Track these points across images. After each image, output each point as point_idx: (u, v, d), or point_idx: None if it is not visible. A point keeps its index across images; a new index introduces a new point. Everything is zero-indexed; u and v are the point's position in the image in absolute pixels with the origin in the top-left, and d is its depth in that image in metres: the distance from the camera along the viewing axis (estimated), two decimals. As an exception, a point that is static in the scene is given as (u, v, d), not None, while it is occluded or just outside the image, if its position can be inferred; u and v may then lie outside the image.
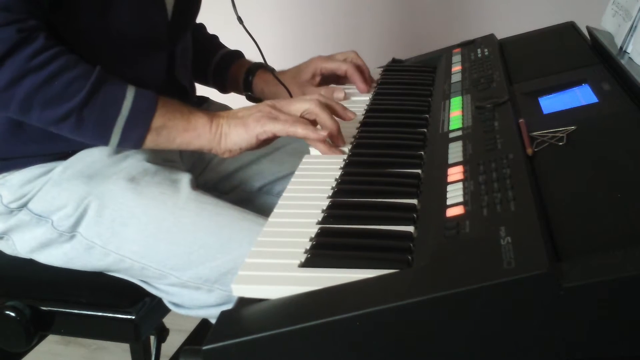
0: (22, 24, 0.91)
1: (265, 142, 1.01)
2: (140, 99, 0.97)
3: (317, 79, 1.28)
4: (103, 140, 0.97)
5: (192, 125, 0.99)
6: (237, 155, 1.01)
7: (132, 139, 0.97)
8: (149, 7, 1.06)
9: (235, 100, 1.38)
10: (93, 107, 0.94)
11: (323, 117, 0.98)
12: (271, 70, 1.30)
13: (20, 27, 0.91)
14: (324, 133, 0.96)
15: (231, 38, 1.36)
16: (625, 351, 0.58)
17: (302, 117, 0.98)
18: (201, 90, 1.33)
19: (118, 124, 0.95)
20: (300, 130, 0.96)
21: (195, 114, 1.00)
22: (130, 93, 0.96)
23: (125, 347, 1.39)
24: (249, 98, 1.34)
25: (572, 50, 1.15)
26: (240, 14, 1.18)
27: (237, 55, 1.35)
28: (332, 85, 1.28)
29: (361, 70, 1.28)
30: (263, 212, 1.07)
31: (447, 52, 1.33)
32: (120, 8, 1.01)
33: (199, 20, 1.34)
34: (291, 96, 1.25)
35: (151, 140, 0.98)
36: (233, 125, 0.99)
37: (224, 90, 1.37)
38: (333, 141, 0.99)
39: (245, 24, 1.18)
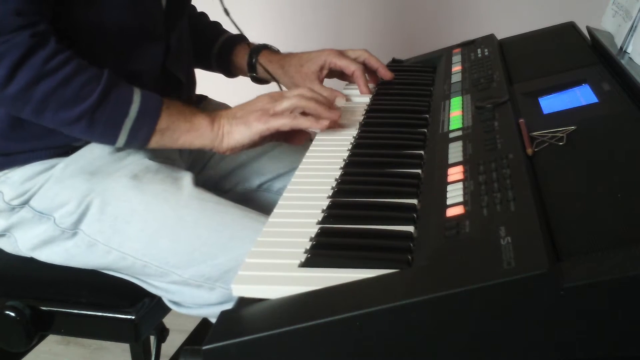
0: (35, 28, 0.94)
1: (266, 140, 1.04)
2: (147, 102, 1.00)
3: (325, 72, 1.27)
4: (111, 140, 1.01)
5: (194, 126, 1.02)
6: (237, 152, 1.05)
7: (138, 140, 1.01)
8: None
9: (235, 100, 1.38)
10: (104, 109, 0.97)
11: (314, 108, 1.02)
12: (276, 50, 1.31)
13: (33, 32, 0.94)
14: (325, 122, 1.01)
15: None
16: (625, 351, 0.58)
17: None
18: (200, 88, 1.33)
19: (126, 125, 0.99)
20: (303, 122, 1.01)
21: (197, 115, 1.04)
22: (137, 96, 1.00)
23: (125, 347, 1.39)
24: (254, 79, 1.34)
25: (572, 50, 1.15)
26: (238, 14, 1.18)
27: (241, 38, 1.34)
28: (335, 89, 1.27)
29: (371, 70, 1.27)
30: (263, 209, 1.07)
31: (447, 52, 1.33)
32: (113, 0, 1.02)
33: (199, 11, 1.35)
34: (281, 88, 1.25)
35: (156, 141, 1.02)
36: (235, 125, 1.02)
37: (229, 74, 1.37)
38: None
39: (242, 24, 1.19)
